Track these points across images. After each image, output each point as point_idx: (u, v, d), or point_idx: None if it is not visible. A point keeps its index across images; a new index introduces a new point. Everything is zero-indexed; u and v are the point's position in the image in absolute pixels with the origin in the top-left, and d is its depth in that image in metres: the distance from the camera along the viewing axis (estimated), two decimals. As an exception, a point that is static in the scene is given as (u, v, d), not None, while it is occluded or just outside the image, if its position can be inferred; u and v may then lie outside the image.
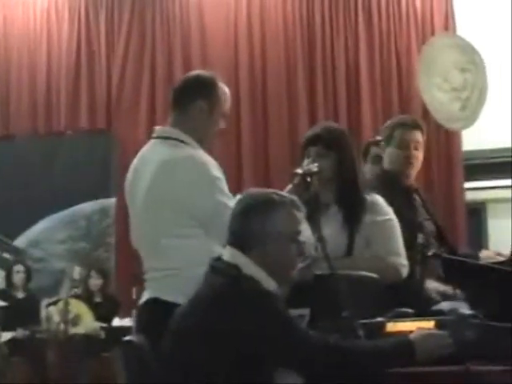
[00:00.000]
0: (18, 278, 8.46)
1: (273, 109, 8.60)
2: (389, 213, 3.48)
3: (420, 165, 4.18)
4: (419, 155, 4.07)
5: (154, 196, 3.12)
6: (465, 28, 8.21)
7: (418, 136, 4.07)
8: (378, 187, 3.97)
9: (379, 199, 3.50)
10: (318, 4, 8.65)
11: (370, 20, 8.55)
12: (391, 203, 3.84)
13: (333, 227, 3.36)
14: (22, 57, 9.13)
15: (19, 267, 8.50)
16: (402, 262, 3.41)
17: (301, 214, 2.73)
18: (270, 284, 2.62)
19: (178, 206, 3.06)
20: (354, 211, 3.41)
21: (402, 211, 3.87)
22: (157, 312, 2.99)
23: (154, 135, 3.31)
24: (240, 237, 2.65)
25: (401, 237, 3.47)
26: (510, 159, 7.80)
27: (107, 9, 9.08)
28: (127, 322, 7.70)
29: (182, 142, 3.18)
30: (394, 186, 3.98)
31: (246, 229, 2.64)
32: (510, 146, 7.86)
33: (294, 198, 2.77)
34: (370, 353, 2.53)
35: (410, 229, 3.79)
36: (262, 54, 8.73)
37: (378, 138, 4.28)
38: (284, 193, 2.83)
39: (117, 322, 7.92)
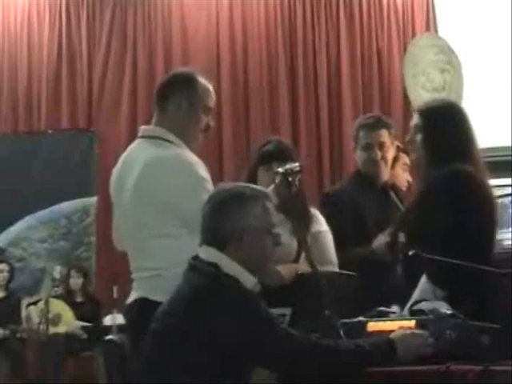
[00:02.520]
0: (1, 277, 8.31)
1: (254, 105, 8.62)
2: (326, 224, 3.57)
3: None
4: (386, 154, 4.01)
5: (140, 196, 3.10)
6: (445, 28, 8.25)
7: (383, 135, 4.00)
8: (351, 188, 3.98)
9: (317, 211, 3.58)
10: (300, 1, 8.68)
11: (352, 18, 8.59)
12: (364, 204, 3.86)
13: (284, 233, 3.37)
14: (2, 56, 9.09)
15: (3, 266, 8.39)
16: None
17: (273, 205, 2.73)
18: (249, 280, 2.61)
19: (164, 205, 3.04)
20: (302, 221, 3.41)
21: (371, 212, 3.88)
22: (144, 312, 2.97)
23: (140, 134, 3.28)
24: (215, 234, 2.64)
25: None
26: (490, 159, 7.83)
27: (88, 8, 9.06)
28: (108, 320, 7.68)
29: (167, 141, 3.16)
30: (367, 187, 3.98)
31: (221, 226, 2.63)
32: (489, 146, 7.89)
33: (266, 189, 2.76)
34: (351, 352, 2.54)
35: (379, 228, 3.80)
36: (243, 51, 8.74)
37: None
38: (255, 186, 2.83)
39: (110, 319, 7.82)
